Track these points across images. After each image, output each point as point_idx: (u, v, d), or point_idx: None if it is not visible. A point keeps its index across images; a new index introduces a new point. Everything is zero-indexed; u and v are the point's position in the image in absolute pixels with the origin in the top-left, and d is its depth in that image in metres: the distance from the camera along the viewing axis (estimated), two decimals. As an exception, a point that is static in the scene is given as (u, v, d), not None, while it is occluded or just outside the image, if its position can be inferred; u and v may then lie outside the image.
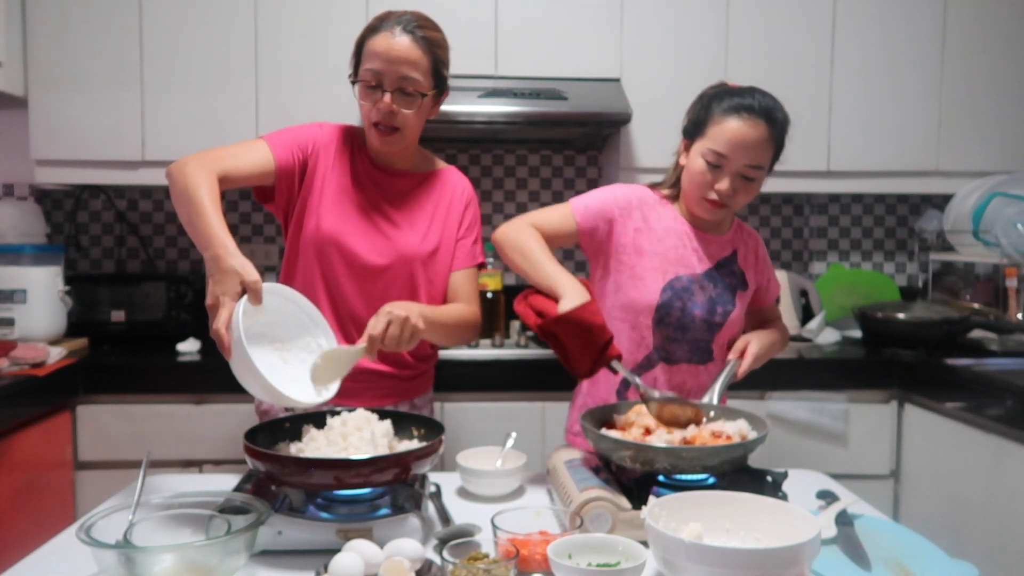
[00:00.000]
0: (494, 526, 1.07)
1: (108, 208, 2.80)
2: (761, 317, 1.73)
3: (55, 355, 2.17)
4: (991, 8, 2.61)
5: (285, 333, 1.30)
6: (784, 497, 1.20)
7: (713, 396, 1.43)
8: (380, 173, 1.62)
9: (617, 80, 2.52)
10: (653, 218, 1.54)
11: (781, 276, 2.70)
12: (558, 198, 2.86)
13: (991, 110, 2.63)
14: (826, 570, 1.05)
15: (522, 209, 2.87)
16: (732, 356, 1.51)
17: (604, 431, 1.30)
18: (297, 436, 1.29)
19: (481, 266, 1.70)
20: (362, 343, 1.31)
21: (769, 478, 1.27)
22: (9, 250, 2.37)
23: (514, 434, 1.53)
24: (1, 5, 2.29)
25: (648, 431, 1.30)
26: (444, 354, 2.25)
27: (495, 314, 2.55)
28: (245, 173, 1.48)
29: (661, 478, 1.26)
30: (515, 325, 2.61)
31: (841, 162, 2.61)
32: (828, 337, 2.68)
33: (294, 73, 2.44)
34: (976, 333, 2.59)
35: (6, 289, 2.31)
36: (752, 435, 1.27)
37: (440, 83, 1.57)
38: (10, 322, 2.31)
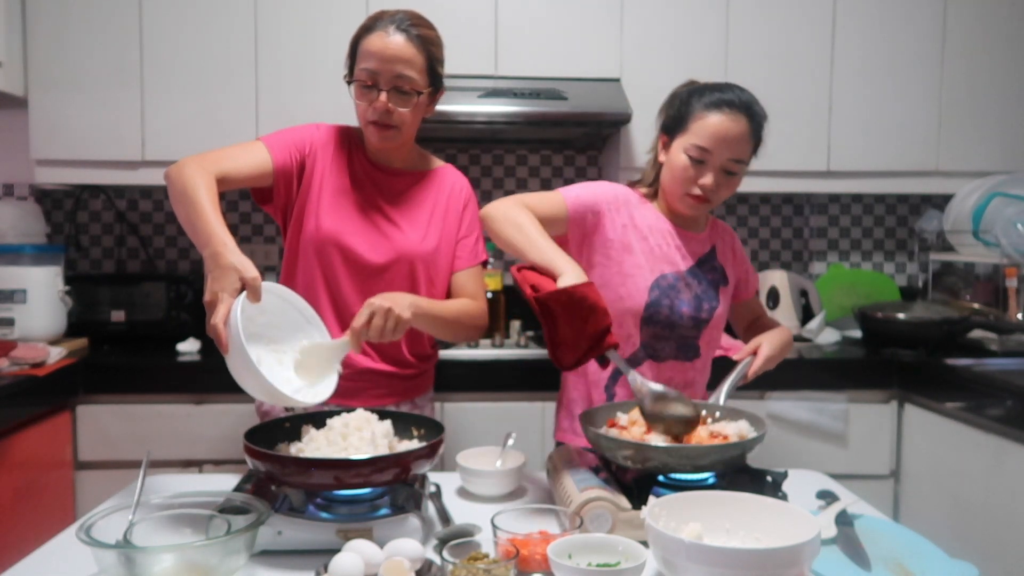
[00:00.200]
0: (494, 526, 1.07)
1: (108, 208, 2.80)
2: (749, 314, 1.74)
3: (55, 355, 2.17)
4: (991, 8, 2.61)
5: (280, 334, 1.29)
6: (784, 497, 1.20)
7: (720, 396, 1.42)
8: (378, 172, 1.63)
9: (617, 80, 2.52)
10: (638, 216, 1.54)
11: (781, 276, 2.71)
12: (558, 198, 2.86)
13: (991, 110, 2.63)
14: (826, 570, 1.05)
15: (522, 209, 2.86)
16: (743, 356, 1.50)
17: (604, 430, 1.30)
18: (297, 436, 1.29)
19: (484, 264, 1.71)
20: (345, 336, 1.31)
21: (769, 478, 1.27)
22: (9, 250, 2.37)
23: (514, 434, 1.53)
24: (1, 5, 2.29)
25: (649, 430, 1.30)
26: (444, 354, 2.25)
27: (495, 314, 2.55)
28: (243, 174, 1.49)
29: (661, 478, 1.26)
30: (515, 325, 2.61)
31: (841, 162, 2.61)
32: (828, 337, 2.68)
33: (294, 73, 2.44)
34: (976, 333, 2.59)
35: (6, 289, 2.31)
36: (751, 435, 1.27)
37: (436, 81, 1.58)
38: (10, 322, 2.31)
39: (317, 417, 1.31)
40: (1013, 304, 2.51)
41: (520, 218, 1.38)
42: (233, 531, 0.99)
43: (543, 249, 1.32)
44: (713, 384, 1.46)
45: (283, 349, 1.29)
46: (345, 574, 0.97)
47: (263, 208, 1.63)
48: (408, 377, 1.66)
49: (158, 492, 1.18)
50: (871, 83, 2.59)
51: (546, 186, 2.90)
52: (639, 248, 1.52)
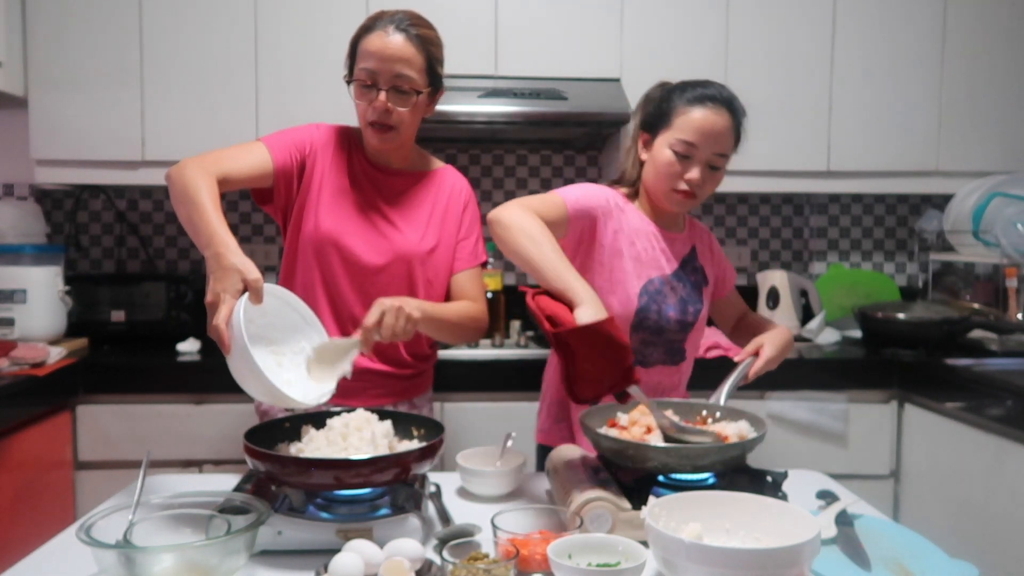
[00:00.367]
0: (494, 526, 1.07)
1: (108, 208, 2.80)
2: (733, 311, 1.75)
3: (55, 355, 2.17)
4: (991, 8, 2.61)
5: (279, 335, 1.29)
6: (784, 497, 1.20)
7: (721, 396, 1.42)
8: (377, 172, 1.63)
9: (617, 80, 2.52)
10: (626, 220, 1.53)
11: (781, 276, 2.71)
12: (558, 198, 2.86)
13: (991, 110, 2.63)
14: (826, 570, 1.05)
15: (522, 209, 2.86)
16: (744, 357, 1.50)
17: (604, 430, 1.30)
18: (297, 436, 1.29)
19: (484, 265, 1.71)
20: (356, 335, 1.31)
21: (769, 478, 1.27)
22: (9, 250, 2.37)
23: (514, 434, 1.53)
24: (1, 5, 2.29)
25: (649, 430, 1.30)
26: (444, 354, 2.25)
27: (495, 314, 2.55)
28: (243, 175, 1.49)
29: (661, 478, 1.26)
30: (515, 325, 2.61)
31: (841, 162, 2.61)
32: (828, 337, 2.68)
33: (294, 73, 2.44)
34: (976, 333, 2.59)
35: (6, 289, 2.31)
36: (751, 435, 1.27)
37: (435, 81, 1.58)
38: (10, 322, 2.31)
39: (317, 417, 1.31)
40: (1013, 304, 2.51)
41: (534, 230, 1.31)
42: (233, 531, 0.99)
43: (560, 272, 1.25)
44: (713, 384, 1.46)
45: (282, 351, 1.29)
46: (345, 574, 0.97)
47: (263, 208, 1.63)
48: (406, 377, 1.66)
49: (158, 492, 1.18)
50: (871, 83, 2.59)
51: (546, 186, 2.90)
52: (628, 253, 1.51)
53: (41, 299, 2.34)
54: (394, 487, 1.21)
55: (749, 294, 2.82)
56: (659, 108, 1.52)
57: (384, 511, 1.17)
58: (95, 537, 0.95)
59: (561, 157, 2.91)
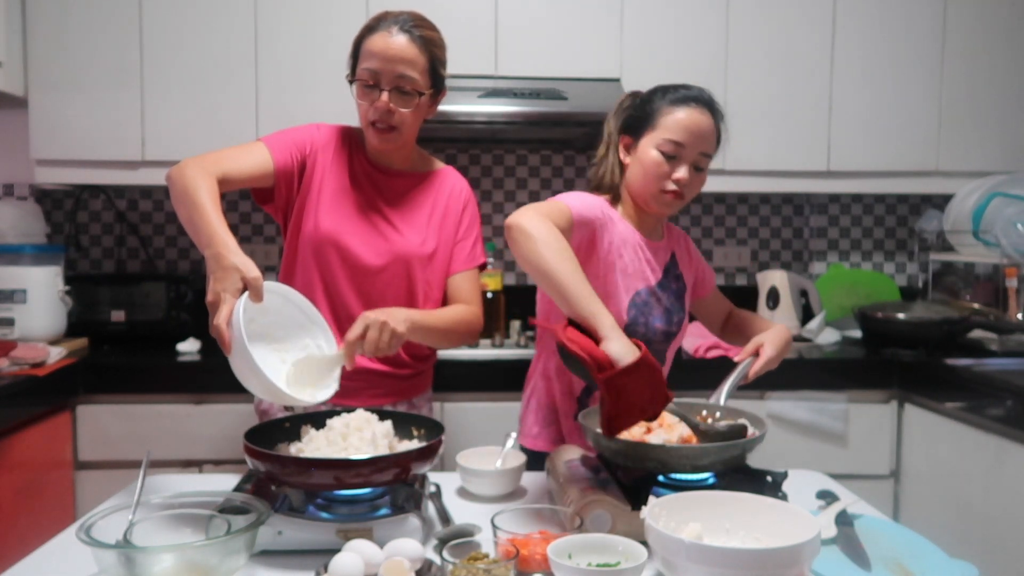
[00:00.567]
0: (494, 526, 1.07)
1: (108, 208, 2.80)
2: (719, 309, 1.75)
3: (55, 355, 2.17)
4: (991, 8, 2.61)
5: (284, 333, 1.30)
6: (784, 497, 1.20)
7: (721, 396, 1.42)
8: (378, 173, 1.63)
9: (617, 80, 2.52)
10: (615, 230, 1.51)
11: (781, 276, 2.71)
12: (558, 198, 2.86)
13: (991, 110, 2.63)
14: (826, 570, 1.05)
15: (522, 209, 2.86)
16: (744, 357, 1.49)
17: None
18: (297, 436, 1.29)
19: (482, 267, 1.70)
20: (340, 349, 1.30)
21: (769, 478, 1.27)
22: (9, 250, 2.37)
23: (514, 434, 1.53)
24: (1, 5, 2.29)
25: (649, 430, 1.30)
26: (444, 354, 2.25)
27: (495, 314, 2.55)
28: (244, 175, 1.49)
29: (661, 478, 1.26)
30: (515, 325, 2.61)
31: (841, 162, 2.61)
32: (828, 337, 2.68)
33: (294, 73, 2.44)
34: (976, 333, 2.59)
35: (6, 289, 2.31)
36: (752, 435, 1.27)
37: (437, 82, 1.58)
38: (10, 322, 2.31)
39: (317, 417, 1.31)
40: (1013, 304, 2.51)
41: (561, 247, 1.26)
42: (233, 531, 0.99)
43: (588, 298, 1.21)
44: (713, 384, 1.46)
45: (286, 348, 1.30)
46: (345, 574, 0.97)
47: (264, 208, 1.63)
48: (405, 377, 1.66)
49: (158, 492, 1.18)
50: (871, 83, 2.59)
51: (546, 186, 2.90)
52: (618, 266, 1.50)
53: (41, 299, 2.34)
54: (394, 487, 1.21)
55: (749, 294, 2.83)
56: (641, 111, 1.52)
57: (384, 511, 1.17)
58: (95, 537, 0.95)
59: (561, 157, 2.91)
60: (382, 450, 1.20)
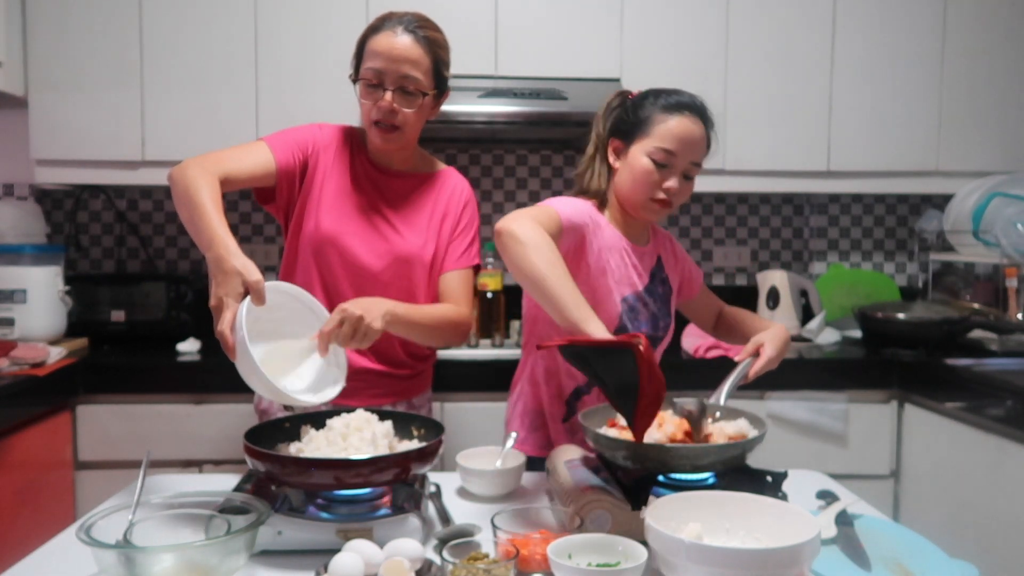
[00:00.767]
0: (494, 526, 1.07)
1: (108, 208, 2.80)
2: (710, 308, 1.74)
3: (55, 355, 2.17)
4: (991, 8, 2.61)
5: (291, 331, 1.30)
6: (784, 497, 1.20)
7: (721, 396, 1.42)
8: (379, 174, 1.63)
9: (617, 80, 2.52)
10: (603, 236, 1.50)
11: (781, 276, 2.71)
12: (558, 198, 2.86)
13: (991, 110, 2.63)
14: (826, 570, 1.05)
15: (522, 209, 2.86)
16: (744, 357, 1.49)
17: (604, 430, 1.30)
18: (297, 436, 1.29)
19: (477, 268, 1.69)
20: (312, 338, 1.29)
21: (769, 478, 1.27)
22: (9, 250, 2.37)
23: (514, 434, 1.53)
24: (1, 5, 2.29)
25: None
26: (444, 354, 2.25)
27: (495, 314, 2.55)
28: (246, 175, 1.49)
29: (661, 478, 1.26)
30: (515, 325, 2.61)
31: (841, 162, 2.61)
32: (828, 337, 2.68)
33: (294, 73, 2.44)
34: (976, 333, 2.59)
35: (6, 289, 2.31)
36: (751, 435, 1.27)
37: (440, 83, 1.58)
38: (10, 322, 2.31)
39: (317, 417, 1.31)
40: (1013, 304, 2.51)
41: (551, 253, 1.25)
42: (233, 531, 0.99)
43: (579, 304, 1.20)
44: (713, 384, 1.46)
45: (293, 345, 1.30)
46: (345, 574, 0.97)
47: (265, 208, 1.63)
48: (404, 377, 1.66)
49: (158, 492, 1.18)
50: (871, 83, 2.59)
51: (546, 186, 2.90)
52: (607, 271, 1.49)
53: (41, 299, 2.34)
54: (394, 487, 1.21)
55: (749, 294, 2.83)
56: (634, 116, 1.50)
57: (384, 511, 1.17)
58: (95, 537, 0.95)
59: (561, 157, 2.91)
60: (382, 450, 1.20)
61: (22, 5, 2.38)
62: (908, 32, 2.60)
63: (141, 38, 2.41)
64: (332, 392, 1.27)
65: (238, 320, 1.16)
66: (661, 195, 1.48)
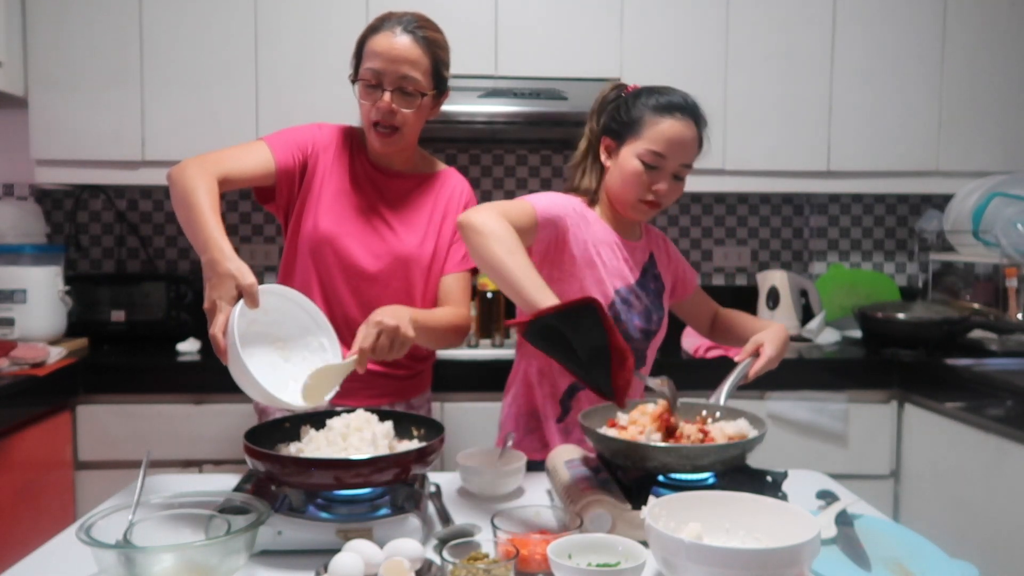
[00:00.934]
0: (494, 526, 1.07)
1: (108, 208, 2.80)
2: (705, 309, 1.74)
3: (55, 355, 2.17)
4: (991, 8, 2.61)
5: (287, 333, 1.30)
6: (784, 497, 1.20)
7: (721, 396, 1.42)
8: (379, 174, 1.63)
9: (617, 80, 2.51)
10: (590, 229, 1.51)
11: (781, 276, 2.71)
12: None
13: (991, 110, 2.63)
14: (826, 570, 1.05)
15: (522, 209, 2.86)
16: (744, 357, 1.49)
17: (604, 430, 1.30)
18: (297, 436, 1.29)
19: (476, 270, 1.69)
20: (352, 355, 1.28)
21: (769, 478, 1.27)
22: (9, 250, 2.37)
23: (514, 434, 1.53)
24: (1, 5, 2.29)
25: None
26: (444, 354, 2.25)
27: (495, 314, 2.55)
28: (245, 175, 1.49)
29: (661, 478, 1.26)
30: (515, 325, 2.61)
31: (841, 162, 2.61)
32: (828, 337, 2.68)
33: (294, 73, 2.44)
34: (976, 333, 2.59)
35: (6, 289, 2.31)
36: (751, 435, 1.27)
37: (440, 84, 1.58)
38: (10, 322, 2.31)
39: (317, 417, 1.31)
40: (1013, 304, 2.51)
41: (510, 240, 1.26)
42: (233, 531, 0.99)
43: (536, 289, 1.20)
44: (713, 384, 1.46)
45: (290, 347, 1.31)
46: (345, 574, 0.97)
47: (265, 207, 1.63)
48: (402, 378, 1.66)
49: (158, 492, 1.18)
50: (871, 83, 2.59)
51: (546, 186, 2.90)
52: (596, 263, 1.49)
53: (41, 299, 2.34)
54: (394, 487, 1.21)
55: (749, 294, 2.83)
56: (626, 115, 1.50)
57: (384, 511, 1.17)
58: (95, 537, 0.95)
59: (561, 157, 2.91)
60: (382, 450, 1.20)
61: (22, 5, 2.38)
62: (908, 32, 2.60)
63: (141, 38, 2.41)
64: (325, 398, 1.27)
65: (230, 323, 1.16)
66: (650, 197, 1.48)
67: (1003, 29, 2.62)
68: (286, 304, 1.31)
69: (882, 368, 2.35)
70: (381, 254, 1.58)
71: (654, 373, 1.64)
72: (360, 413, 1.27)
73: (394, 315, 1.32)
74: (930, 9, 2.60)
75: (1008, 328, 2.52)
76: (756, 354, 1.48)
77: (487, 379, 2.28)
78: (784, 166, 2.60)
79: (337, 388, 1.28)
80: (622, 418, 1.35)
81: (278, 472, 1.13)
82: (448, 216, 1.65)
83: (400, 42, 1.50)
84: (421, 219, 1.62)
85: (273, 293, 1.28)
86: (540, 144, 2.86)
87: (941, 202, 2.87)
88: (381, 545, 1.03)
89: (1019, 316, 2.51)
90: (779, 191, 2.76)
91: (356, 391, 1.55)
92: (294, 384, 1.26)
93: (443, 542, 1.04)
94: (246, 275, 1.21)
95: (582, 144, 1.60)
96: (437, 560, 1.02)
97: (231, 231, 2.85)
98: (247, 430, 1.24)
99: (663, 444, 1.23)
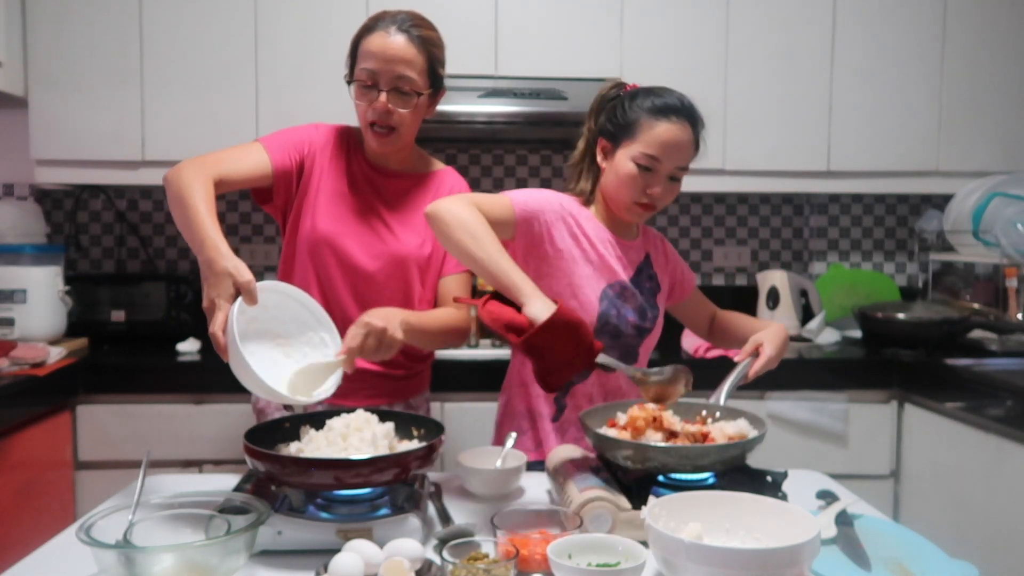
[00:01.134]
0: (494, 526, 1.07)
1: (108, 208, 2.80)
2: (703, 311, 1.74)
3: (55, 355, 2.17)
4: (991, 8, 2.61)
5: (287, 329, 1.31)
6: (784, 497, 1.20)
7: (721, 396, 1.42)
8: (376, 174, 1.62)
9: (616, 79, 2.51)
10: (580, 225, 1.51)
11: (781, 276, 2.71)
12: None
13: (991, 110, 2.63)
14: (826, 570, 1.05)
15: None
16: (743, 357, 1.49)
17: (604, 430, 1.30)
18: (297, 436, 1.29)
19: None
20: (340, 355, 1.29)
21: (769, 478, 1.27)
22: (9, 250, 2.37)
23: (514, 434, 1.53)
24: (1, 5, 2.29)
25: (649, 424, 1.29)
26: (443, 354, 2.25)
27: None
28: (242, 176, 1.49)
29: (661, 478, 1.26)
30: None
31: (841, 162, 2.61)
32: (828, 337, 2.68)
33: (294, 73, 2.44)
34: (976, 333, 2.59)
35: (6, 289, 2.31)
36: (751, 435, 1.27)
37: (436, 82, 1.57)
38: (10, 322, 2.31)
39: (317, 418, 1.31)
40: (1013, 304, 2.51)
41: (476, 227, 1.30)
42: (233, 531, 0.99)
43: (505, 270, 1.26)
44: (713, 384, 1.46)
45: (291, 344, 1.31)
46: (345, 574, 0.97)
47: (263, 208, 1.63)
48: (400, 378, 1.66)
49: (158, 492, 1.18)
50: (871, 83, 2.59)
51: (546, 186, 2.89)
52: (586, 258, 1.49)
53: (41, 299, 2.34)
54: (394, 487, 1.21)
55: (749, 294, 2.83)
56: (622, 117, 1.50)
57: (384, 511, 1.17)
58: (95, 537, 0.95)
59: (561, 157, 2.91)
60: (382, 450, 1.20)
61: (22, 5, 2.38)
62: (908, 32, 2.60)
63: (141, 38, 2.41)
64: (325, 392, 1.27)
65: (229, 320, 1.16)
66: (644, 199, 1.48)
67: (1003, 29, 2.62)
68: (286, 301, 1.31)
69: (882, 368, 2.35)
70: (379, 254, 1.58)
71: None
72: (360, 413, 1.27)
73: (383, 317, 1.32)
74: (930, 9, 2.60)
75: (1008, 328, 2.52)
76: (756, 354, 1.47)
77: (487, 379, 2.28)
78: (784, 166, 2.60)
79: (338, 384, 1.28)
80: (622, 418, 1.35)
81: (278, 472, 1.13)
82: None
83: (395, 42, 1.49)
84: (419, 219, 1.62)
85: (272, 290, 1.28)
86: (540, 144, 2.86)
87: (941, 202, 2.87)
88: (381, 545, 1.03)
89: (1019, 316, 2.51)
90: (779, 191, 2.76)
91: (354, 391, 1.55)
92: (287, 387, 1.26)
93: (443, 542, 1.04)
94: (243, 272, 1.21)
95: (580, 144, 1.60)
96: (437, 560, 1.02)
97: (231, 231, 2.86)
98: (247, 430, 1.24)
99: (663, 444, 1.23)
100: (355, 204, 1.59)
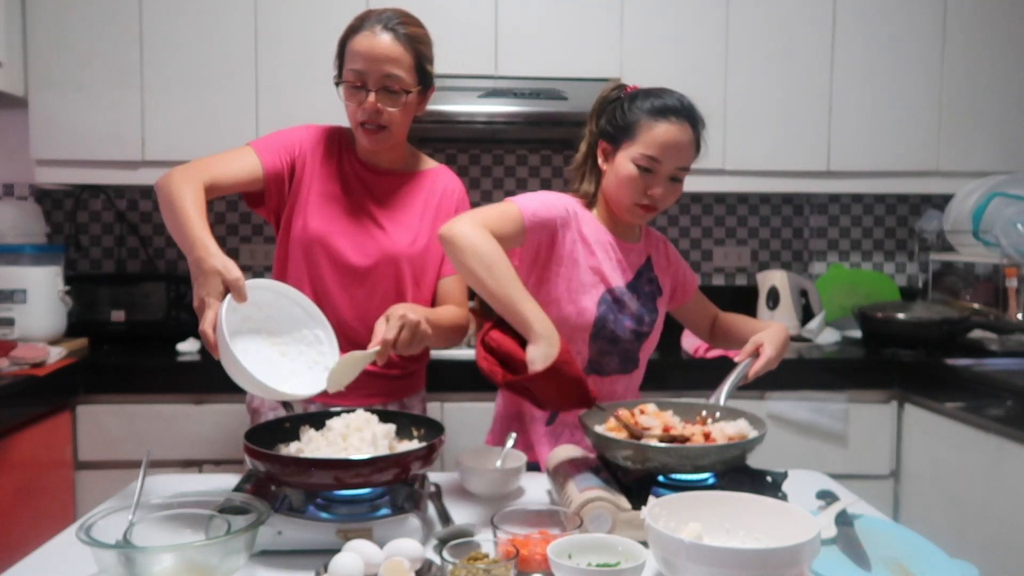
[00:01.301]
0: (494, 526, 1.07)
1: (108, 208, 2.80)
2: (704, 313, 1.74)
3: (55, 355, 2.17)
4: (991, 8, 2.61)
5: (281, 327, 1.31)
6: (784, 497, 1.20)
7: (721, 396, 1.42)
8: (367, 173, 1.62)
9: (617, 80, 2.51)
10: (582, 229, 1.51)
11: (781, 276, 2.71)
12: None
13: (991, 110, 2.63)
14: (826, 570, 1.05)
15: (522, 209, 2.86)
16: (744, 357, 1.49)
17: (603, 430, 1.30)
18: (297, 436, 1.29)
19: None
20: (375, 346, 1.29)
21: (769, 478, 1.27)
22: (9, 250, 2.37)
23: (514, 434, 1.53)
24: (1, 5, 2.29)
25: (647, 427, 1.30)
26: (443, 354, 2.25)
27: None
28: (232, 180, 1.49)
29: (661, 478, 1.26)
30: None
31: (841, 162, 2.61)
32: (828, 337, 2.68)
33: (294, 73, 2.44)
34: (976, 333, 2.59)
35: (6, 289, 2.31)
36: (751, 435, 1.27)
37: (425, 79, 1.57)
38: (10, 322, 2.31)
39: (316, 418, 1.31)
40: (1013, 304, 2.51)
41: (489, 255, 1.29)
42: (233, 531, 0.99)
43: (515, 301, 1.26)
44: (713, 384, 1.46)
45: (284, 341, 1.31)
46: (345, 574, 0.97)
47: (255, 211, 1.63)
48: (395, 377, 1.66)
49: (158, 492, 1.18)
50: (871, 83, 2.59)
51: (545, 186, 2.90)
52: (586, 264, 1.49)
53: (41, 299, 2.34)
54: (394, 487, 1.21)
55: (749, 294, 2.83)
56: (622, 119, 1.49)
57: (384, 511, 1.17)
58: (95, 537, 0.95)
59: (561, 157, 2.90)
60: (382, 450, 1.20)
61: (22, 5, 2.38)
62: (908, 32, 2.60)
63: (141, 38, 2.41)
64: (315, 387, 1.27)
65: (219, 318, 1.17)
66: (645, 201, 1.48)
67: (1003, 29, 2.62)
68: (279, 299, 1.31)
69: (882, 368, 2.35)
70: (371, 252, 1.58)
71: (649, 374, 1.65)
72: (360, 413, 1.28)
73: (413, 311, 1.34)
74: (930, 9, 2.60)
75: (1008, 328, 2.52)
76: (756, 354, 1.47)
77: (487, 379, 2.28)
78: (784, 166, 2.60)
79: (323, 383, 1.28)
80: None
81: (278, 472, 1.13)
82: (440, 214, 1.64)
83: (381, 41, 1.49)
84: (411, 217, 1.62)
85: (266, 288, 1.28)
86: (540, 144, 2.86)
87: (941, 202, 2.87)
88: (381, 545, 1.03)
89: (1019, 316, 2.51)
90: (779, 191, 2.76)
91: (349, 391, 1.55)
92: (293, 379, 1.26)
93: (443, 542, 1.04)
94: (231, 270, 1.22)
95: (582, 147, 1.59)
96: (437, 560, 1.02)
97: (231, 231, 2.86)
98: (247, 430, 1.24)
99: (663, 444, 1.23)
100: (347, 203, 1.59)
